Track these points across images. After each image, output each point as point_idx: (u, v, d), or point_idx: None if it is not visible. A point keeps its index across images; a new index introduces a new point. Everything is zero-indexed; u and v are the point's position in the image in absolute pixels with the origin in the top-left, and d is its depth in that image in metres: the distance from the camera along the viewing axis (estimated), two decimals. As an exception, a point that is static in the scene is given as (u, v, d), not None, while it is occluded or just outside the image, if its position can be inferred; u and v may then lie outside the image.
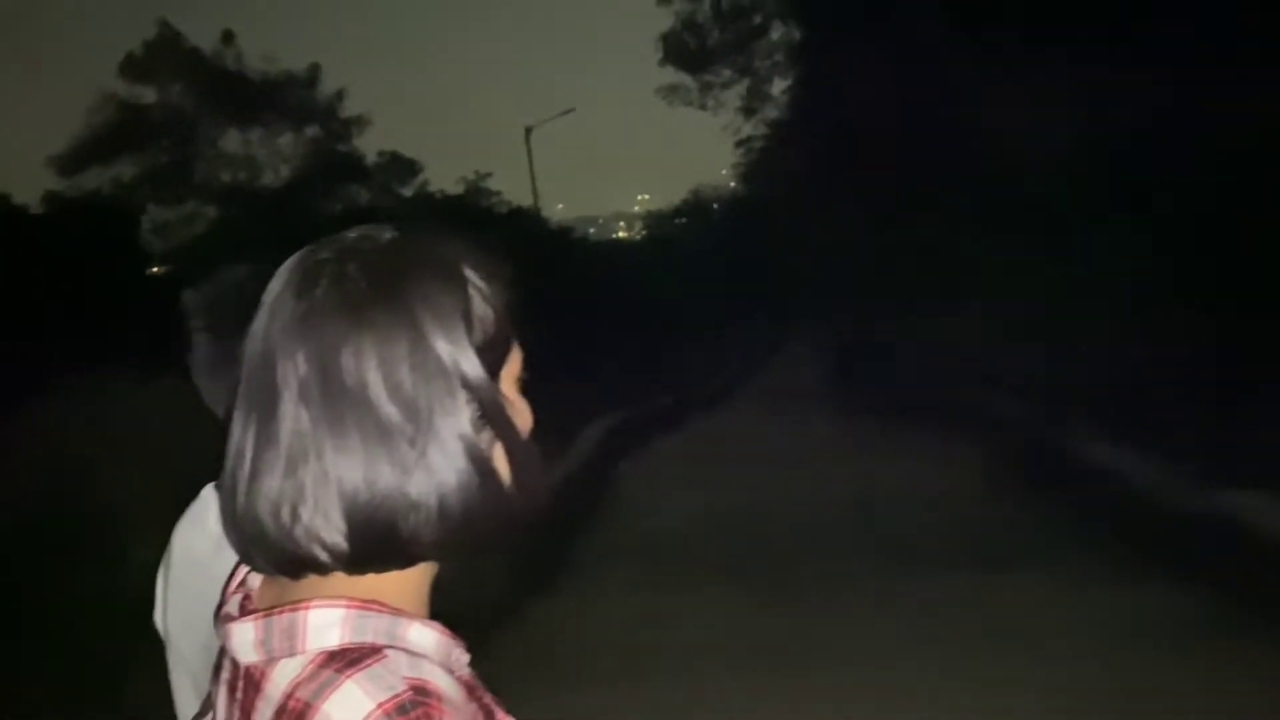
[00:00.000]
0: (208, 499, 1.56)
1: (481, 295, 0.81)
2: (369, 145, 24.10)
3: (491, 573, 5.97)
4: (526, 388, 0.88)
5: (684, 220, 36.08)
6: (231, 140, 23.07)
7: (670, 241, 32.40)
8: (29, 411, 7.21)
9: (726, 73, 24.31)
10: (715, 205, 35.95)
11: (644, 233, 42.48)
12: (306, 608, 0.77)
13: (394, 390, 0.76)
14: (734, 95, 24.49)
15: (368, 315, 0.76)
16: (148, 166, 22.08)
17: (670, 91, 25.14)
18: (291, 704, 0.74)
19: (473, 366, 0.79)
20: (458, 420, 0.78)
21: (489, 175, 24.33)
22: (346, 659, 0.74)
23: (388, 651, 0.75)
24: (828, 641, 5.44)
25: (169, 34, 22.03)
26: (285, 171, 23.28)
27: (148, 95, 22.12)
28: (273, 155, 23.35)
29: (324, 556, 0.77)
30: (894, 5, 15.23)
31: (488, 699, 0.82)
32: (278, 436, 0.77)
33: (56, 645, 3.99)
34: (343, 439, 0.76)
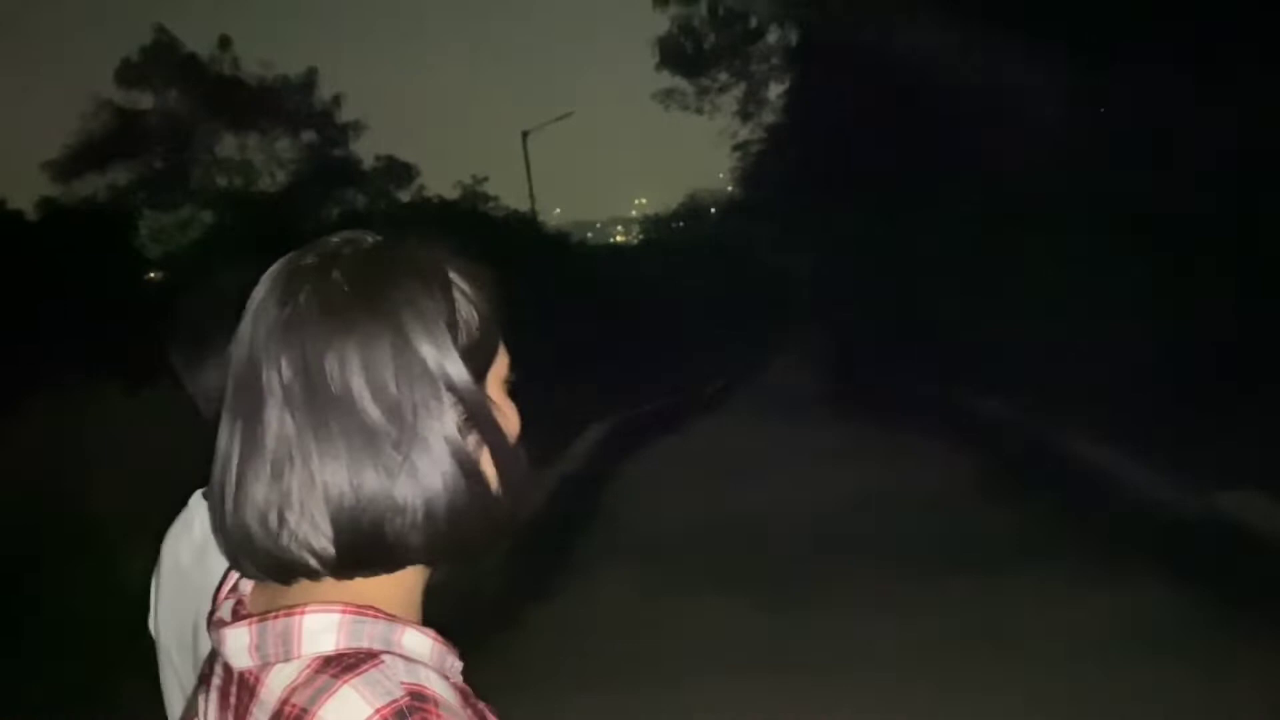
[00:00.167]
0: (194, 506, 1.58)
1: (466, 299, 0.81)
2: (366, 150, 24.12)
3: (489, 576, 5.97)
4: (514, 391, 0.87)
5: (681, 224, 36.14)
6: (228, 145, 23.08)
7: (667, 245, 32.45)
8: (24, 416, 7.20)
9: (723, 77, 24.30)
10: (712, 209, 36.00)
11: (641, 237, 42.52)
12: (301, 613, 0.77)
13: (378, 394, 0.76)
14: (730, 99, 24.49)
15: (351, 320, 0.76)
16: (144, 172, 22.07)
17: (667, 95, 25.12)
18: (288, 709, 0.73)
19: (457, 370, 0.79)
20: (443, 423, 0.78)
21: (486, 180, 24.36)
22: (343, 664, 0.74)
23: (384, 657, 0.75)
24: (826, 645, 5.44)
25: (165, 39, 22.02)
26: (282, 176, 23.29)
27: (144, 101, 22.13)
28: (269, 160, 23.36)
29: (312, 561, 0.77)
30: (890, 9, 15.25)
31: (481, 705, 0.81)
32: (263, 443, 0.77)
33: (47, 651, 3.98)
34: (328, 444, 0.75)
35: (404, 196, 23.74)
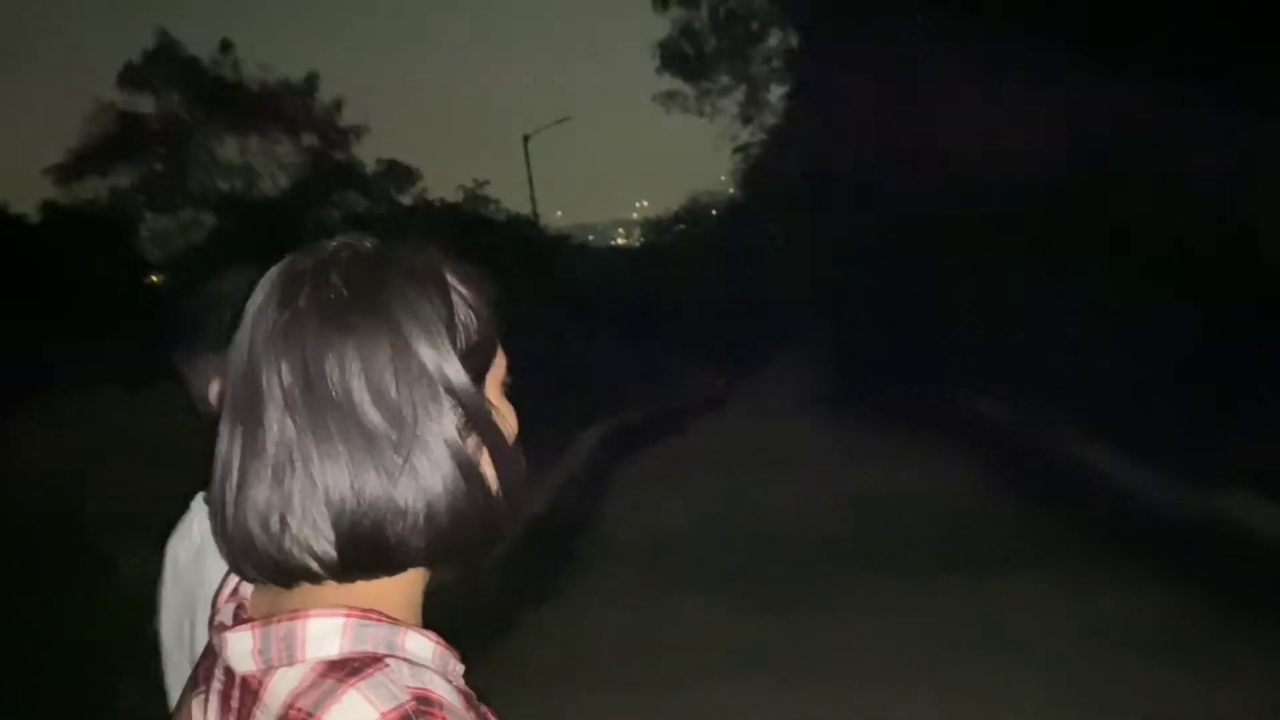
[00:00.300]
0: (195, 509, 1.59)
1: (464, 301, 0.81)
2: (367, 153, 24.23)
3: (487, 579, 5.97)
4: (511, 393, 0.88)
5: (682, 226, 36.13)
6: (229, 149, 23.12)
7: (669, 248, 32.47)
8: (26, 417, 7.21)
9: (724, 79, 24.34)
10: (713, 211, 35.98)
11: (642, 239, 42.54)
12: (305, 616, 0.76)
13: (378, 397, 0.76)
14: (731, 102, 24.53)
15: (350, 323, 0.76)
16: (145, 175, 22.12)
17: (668, 98, 25.17)
18: (293, 713, 0.73)
19: (456, 372, 0.79)
20: (443, 426, 0.78)
21: (487, 183, 24.49)
22: (348, 668, 0.74)
23: (389, 661, 0.75)
24: (826, 648, 5.44)
25: (167, 43, 22.06)
26: (283, 180, 23.32)
27: (146, 104, 22.18)
28: (270, 164, 23.40)
29: (314, 565, 0.77)
30: (891, 11, 15.26)
31: (484, 708, 0.81)
32: (264, 447, 0.77)
33: (47, 653, 3.99)
34: (329, 447, 0.76)
35: (406, 200, 23.80)
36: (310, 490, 0.76)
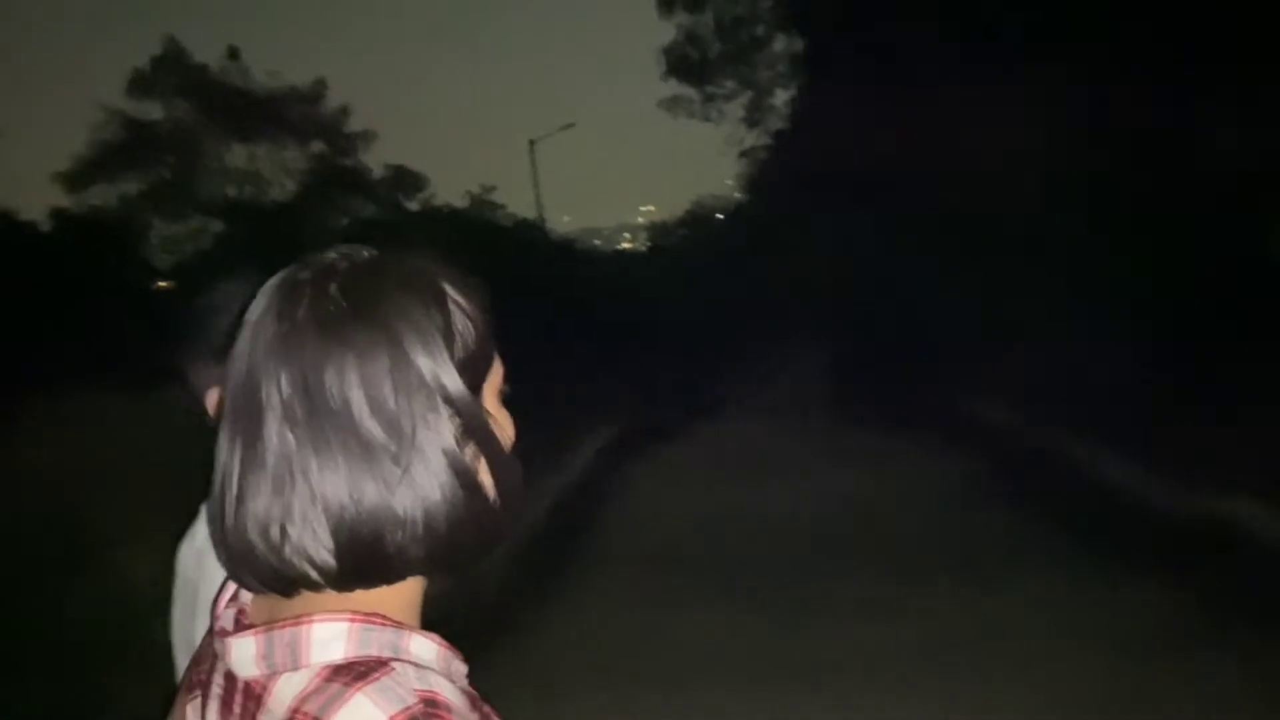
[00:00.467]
0: (203, 515, 1.59)
1: (461, 311, 0.82)
2: (374, 159, 24.14)
3: (491, 582, 5.97)
4: (508, 401, 0.88)
5: (688, 231, 36.07)
6: (237, 155, 23.17)
7: (675, 252, 32.42)
8: (35, 421, 7.23)
9: (729, 84, 24.35)
10: (719, 216, 35.92)
11: (648, 244, 42.49)
12: (309, 621, 0.77)
13: (377, 408, 0.77)
14: (737, 106, 24.54)
15: (348, 334, 0.77)
16: (154, 182, 22.17)
17: (673, 103, 25.18)
18: (298, 718, 0.74)
19: (454, 382, 0.79)
20: (441, 435, 0.78)
21: (494, 188, 24.44)
22: (354, 672, 0.74)
23: (395, 664, 0.76)
24: (827, 651, 5.43)
25: (175, 51, 22.14)
26: (291, 186, 23.33)
27: (154, 111, 22.24)
28: (278, 170, 23.43)
29: (314, 574, 0.77)
30: (896, 16, 15.26)
31: (487, 709, 0.82)
32: (263, 457, 0.77)
33: (47, 659, 4.00)
34: (328, 458, 0.76)
35: (413, 206, 23.78)
36: (309, 501, 0.76)
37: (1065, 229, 11.03)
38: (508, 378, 0.88)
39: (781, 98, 23.78)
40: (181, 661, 1.58)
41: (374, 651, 0.76)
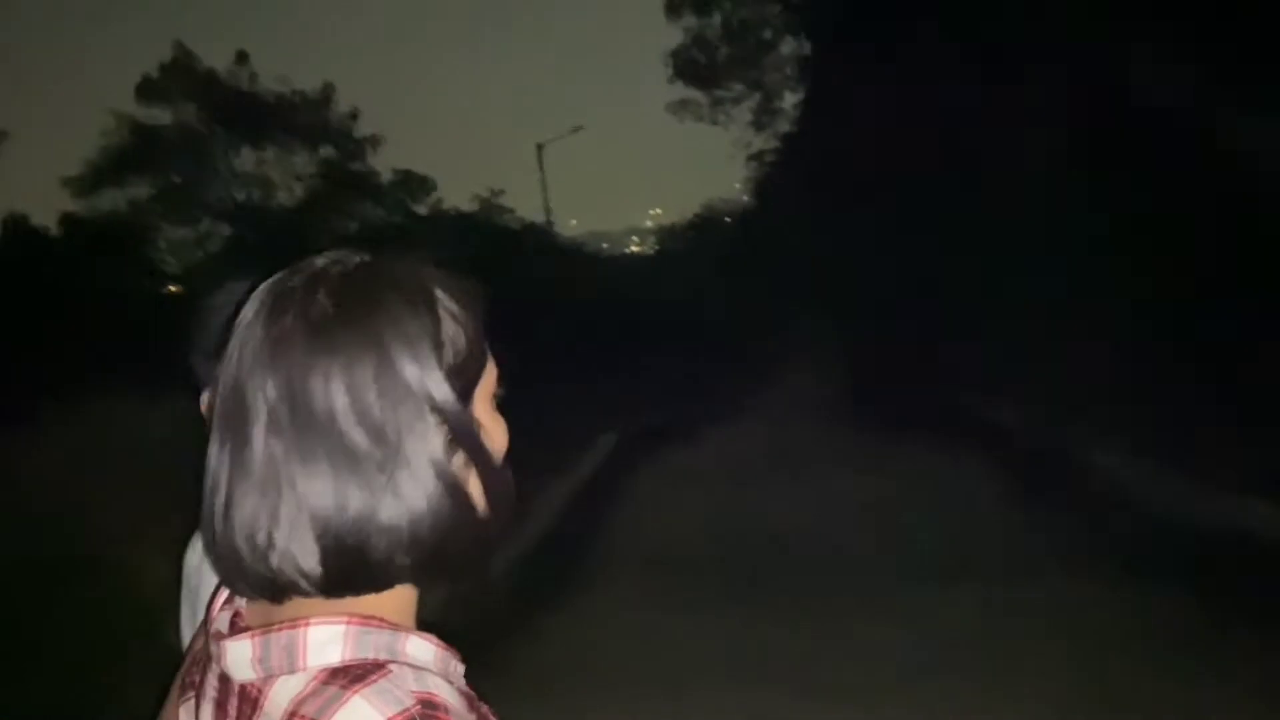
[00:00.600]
0: None
1: (452, 317, 0.81)
2: (383, 164, 24.14)
3: (500, 585, 5.97)
4: (503, 405, 0.87)
5: (696, 234, 36.06)
6: (246, 160, 23.19)
7: (683, 256, 32.41)
8: (44, 427, 7.25)
9: (737, 87, 24.32)
10: (727, 219, 35.90)
11: (657, 247, 42.48)
12: (306, 624, 0.77)
13: (362, 416, 0.76)
14: (744, 110, 24.51)
15: (334, 342, 0.77)
16: (163, 187, 22.22)
17: (681, 107, 25.17)
18: None
19: (442, 390, 0.79)
20: (428, 444, 0.78)
21: (502, 192, 24.45)
22: (351, 675, 0.74)
23: (392, 666, 0.76)
24: (835, 656, 5.41)
25: (184, 56, 22.20)
26: (299, 190, 23.37)
27: (163, 116, 22.28)
28: (286, 174, 23.45)
29: (301, 582, 0.77)
30: (903, 18, 15.24)
31: (485, 709, 0.82)
32: (250, 464, 0.77)
33: (56, 659, 4.02)
34: (313, 466, 0.76)
35: (421, 210, 23.81)
36: (296, 509, 0.76)
37: (1074, 229, 11.00)
38: (502, 381, 0.87)
39: (789, 101, 23.77)
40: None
41: (371, 654, 0.76)
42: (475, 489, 0.81)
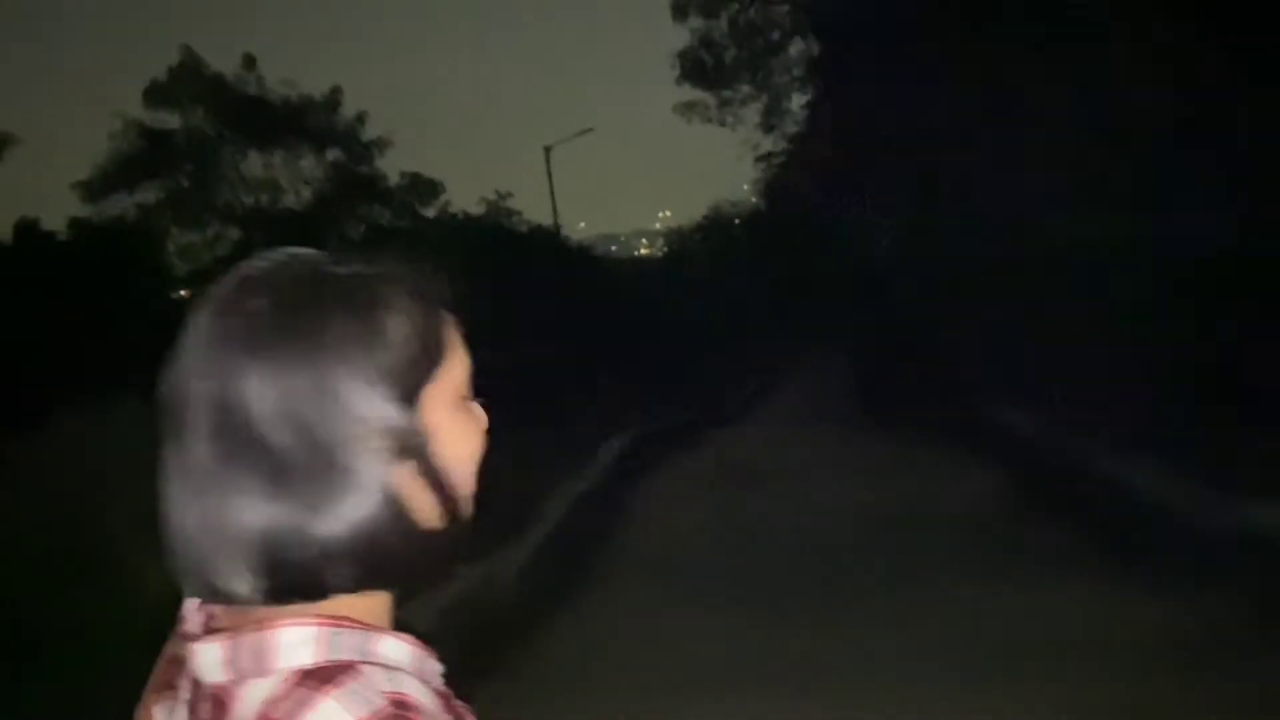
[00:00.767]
0: None
1: (403, 314, 0.78)
2: (390, 167, 24.17)
3: (505, 587, 5.96)
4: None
5: (705, 236, 36.11)
6: (254, 163, 23.25)
7: (692, 257, 32.46)
8: (55, 432, 7.28)
9: (745, 89, 24.28)
10: (736, 221, 35.94)
11: (665, 249, 42.58)
12: (276, 626, 0.75)
13: (295, 426, 0.74)
14: (753, 111, 24.46)
15: (270, 350, 0.74)
16: (171, 191, 22.31)
17: (689, 108, 25.15)
18: None
19: (382, 397, 0.76)
20: (363, 454, 0.75)
21: (510, 194, 24.52)
22: (321, 676, 0.73)
23: (363, 667, 0.74)
24: (841, 662, 5.40)
25: (191, 60, 22.28)
26: (307, 194, 23.43)
27: (171, 121, 22.37)
28: (295, 178, 23.51)
29: (245, 590, 0.76)
30: (913, 19, 15.22)
31: (459, 707, 0.80)
32: (188, 471, 0.75)
33: (62, 663, 4.02)
34: (245, 478, 0.74)
35: (429, 212, 23.85)
36: (230, 517, 0.74)
37: (1092, 233, 10.95)
38: (473, 376, 0.84)
39: (798, 102, 23.74)
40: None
41: (343, 655, 0.75)
42: (423, 499, 0.78)
